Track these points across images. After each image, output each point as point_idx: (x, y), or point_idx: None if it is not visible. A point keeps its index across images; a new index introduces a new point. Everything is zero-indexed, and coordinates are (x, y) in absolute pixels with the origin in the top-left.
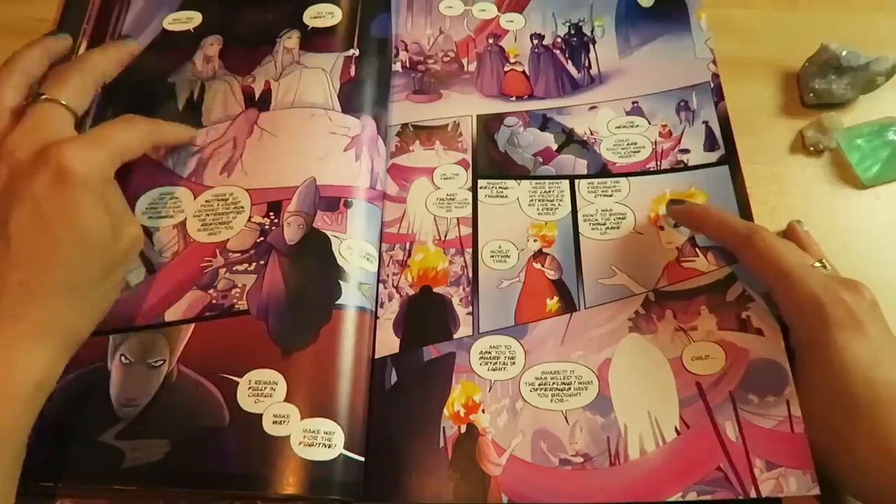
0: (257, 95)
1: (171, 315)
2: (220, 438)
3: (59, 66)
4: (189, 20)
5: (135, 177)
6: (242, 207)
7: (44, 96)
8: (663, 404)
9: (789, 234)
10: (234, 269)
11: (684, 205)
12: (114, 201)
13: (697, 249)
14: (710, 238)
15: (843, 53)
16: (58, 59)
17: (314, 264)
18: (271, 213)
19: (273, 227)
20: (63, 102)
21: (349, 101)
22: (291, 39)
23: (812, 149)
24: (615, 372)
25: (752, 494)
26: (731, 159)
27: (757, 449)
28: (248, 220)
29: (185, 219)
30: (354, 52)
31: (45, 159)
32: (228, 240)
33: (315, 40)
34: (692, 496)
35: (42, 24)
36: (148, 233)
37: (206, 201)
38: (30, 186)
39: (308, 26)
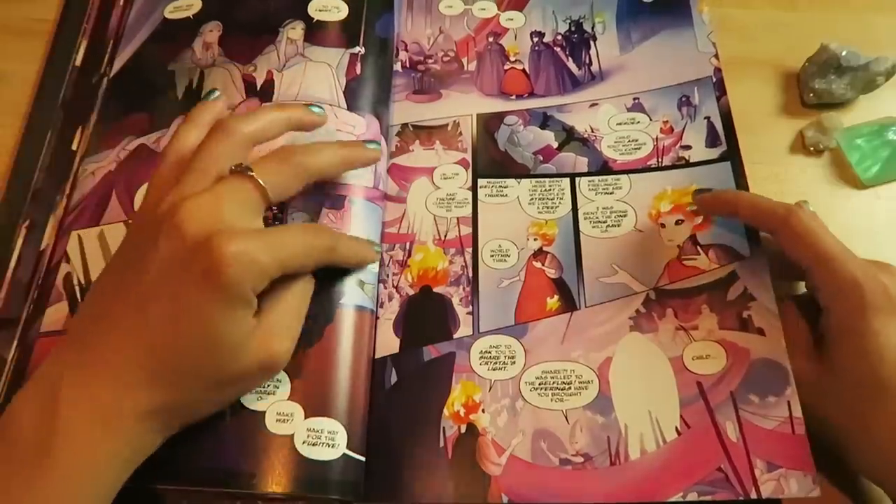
0: (259, 85)
1: None
2: (220, 435)
3: (284, 145)
4: (189, 7)
5: (133, 168)
6: None
7: (250, 172)
8: (664, 404)
9: None
10: None
11: (711, 192)
12: (266, 312)
13: (699, 247)
14: (744, 221)
15: (843, 53)
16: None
17: None
18: (274, 208)
19: (276, 222)
20: (263, 185)
21: (354, 100)
22: (296, 30)
23: (812, 149)
24: (616, 371)
25: (753, 495)
26: (732, 155)
27: (758, 449)
28: None
29: None
30: (360, 49)
31: (206, 250)
32: None
33: (320, 34)
34: (693, 497)
35: (42, 24)
36: None
37: None
38: (182, 271)
39: (313, 19)
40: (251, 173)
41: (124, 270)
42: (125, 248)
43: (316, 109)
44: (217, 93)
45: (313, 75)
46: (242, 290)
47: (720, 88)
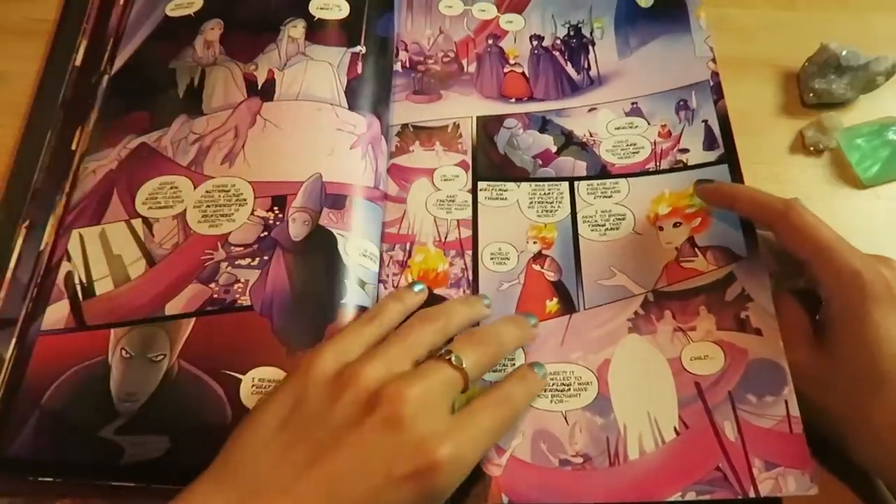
0: (260, 84)
1: (171, 308)
2: (222, 435)
3: (477, 330)
4: (190, 4)
5: (135, 167)
6: (245, 200)
7: (452, 356)
8: (662, 404)
9: None
10: (237, 263)
11: (713, 183)
12: None
13: (696, 249)
14: (743, 214)
15: (843, 53)
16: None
17: (321, 262)
18: (275, 208)
19: (277, 222)
20: (465, 369)
21: (355, 99)
22: (297, 29)
23: (812, 149)
24: (614, 372)
25: (751, 494)
26: (730, 158)
27: (756, 449)
28: (252, 213)
29: (185, 209)
30: (362, 49)
31: (421, 452)
32: (230, 233)
33: (321, 32)
34: (691, 496)
35: (42, 24)
36: (148, 224)
37: (207, 192)
38: (390, 464)
39: (314, 17)
40: (452, 359)
41: (306, 433)
42: (304, 402)
43: (486, 301)
44: (422, 286)
45: (314, 74)
46: (448, 492)
47: (717, 92)
